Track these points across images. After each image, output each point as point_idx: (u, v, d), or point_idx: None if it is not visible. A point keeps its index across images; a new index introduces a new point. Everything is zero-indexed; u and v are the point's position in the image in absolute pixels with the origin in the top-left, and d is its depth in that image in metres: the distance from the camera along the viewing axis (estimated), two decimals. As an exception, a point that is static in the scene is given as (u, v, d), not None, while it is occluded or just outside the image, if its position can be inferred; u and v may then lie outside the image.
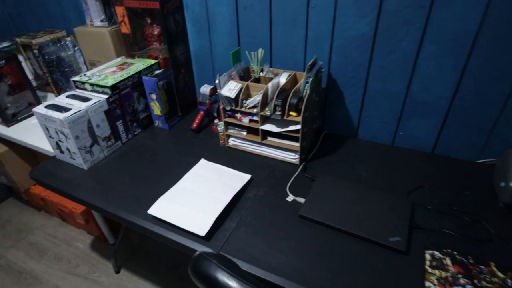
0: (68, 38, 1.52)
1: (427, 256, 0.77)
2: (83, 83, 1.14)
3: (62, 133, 1.03)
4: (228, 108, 1.08)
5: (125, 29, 1.27)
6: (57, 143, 1.10)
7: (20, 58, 1.59)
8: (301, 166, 1.07)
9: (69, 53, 1.48)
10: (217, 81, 1.17)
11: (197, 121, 1.27)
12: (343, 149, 1.15)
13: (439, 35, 0.94)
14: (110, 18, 1.36)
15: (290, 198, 0.95)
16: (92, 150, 1.10)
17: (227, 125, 1.15)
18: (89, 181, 1.05)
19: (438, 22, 0.93)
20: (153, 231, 0.87)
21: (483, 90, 0.97)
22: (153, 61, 1.26)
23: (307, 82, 1.00)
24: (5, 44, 1.52)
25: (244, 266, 0.77)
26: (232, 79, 1.09)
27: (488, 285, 0.71)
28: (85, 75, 1.18)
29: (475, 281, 0.71)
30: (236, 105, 1.07)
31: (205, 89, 1.26)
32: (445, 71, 0.99)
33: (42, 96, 1.63)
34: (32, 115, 1.51)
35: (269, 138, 1.10)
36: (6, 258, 1.59)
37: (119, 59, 1.31)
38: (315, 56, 1.07)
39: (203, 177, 1.01)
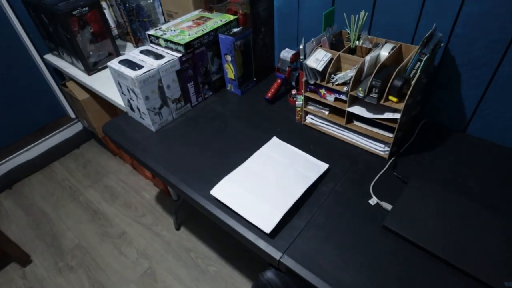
0: (148, -15, 1.44)
1: (558, 316, 0.58)
2: (157, 37, 1.06)
3: (133, 91, 0.99)
4: (312, 81, 0.91)
5: (205, -22, 1.13)
6: (128, 101, 1.07)
7: (104, 5, 1.58)
8: (390, 161, 0.89)
9: (149, 1, 1.41)
10: (301, 47, 1.00)
11: (272, 90, 1.13)
12: (447, 146, 0.93)
13: None
14: (190, -36, 1.22)
15: (374, 201, 0.79)
16: (161, 112, 1.05)
17: (307, 100, 0.99)
18: (156, 145, 1.01)
19: None
20: (213, 214, 0.80)
21: None
22: (231, 17, 1.12)
23: (419, 60, 0.77)
24: (89, -11, 1.51)
25: (309, 277, 0.66)
26: (320, 46, 0.91)
27: None
28: (160, 28, 1.10)
29: None
30: (322, 79, 0.90)
31: (286, 54, 1.10)
32: None
33: (121, 46, 1.63)
34: (110, 64, 1.52)
35: (355, 122, 0.93)
36: (85, 197, 1.74)
37: (196, 12, 1.19)
38: (435, 25, 0.82)
39: (273, 159, 0.90)
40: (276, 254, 0.70)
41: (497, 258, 0.65)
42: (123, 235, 1.53)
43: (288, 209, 0.75)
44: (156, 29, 1.09)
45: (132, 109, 1.08)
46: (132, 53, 1.05)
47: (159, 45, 1.08)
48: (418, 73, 0.77)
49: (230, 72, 1.15)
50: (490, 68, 0.85)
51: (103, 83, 1.41)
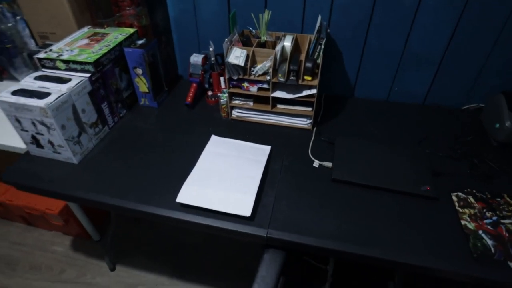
0: (4, 6, 1.21)
1: (454, 198, 0.85)
2: (52, 60, 0.94)
3: (43, 123, 0.85)
4: (235, 77, 0.99)
5: (90, -9, 1.06)
6: (33, 137, 0.91)
7: None
8: (315, 130, 1.06)
9: (9, 24, 1.19)
10: (211, 49, 1.08)
11: (191, 94, 1.15)
12: (346, 109, 1.17)
13: (439, -11, 0.97)
14: (63, -21, 1.11)
15: (316, 163, 0.94)
16: (80, 140, 0.94)
17: (231, 95, 1.06)
18: (86, 176, 0.90)
19: (440, -24, 0.95)
20: (187, 220, 0.80)
21: (473, 41, 1.04)
22: (131, 30, 1.08)
23: (319, 44, 0.96)
24: None
25: (298, 238, 0.75)
26: (234, 45, 1.00)
27: (508, 214, 0.80)
28: (51, 50, 0.97)
29: (498, 212, 0.81)
30: (244, 73, 0.99)
31: (196, 58, 1.14)
32: (441, 24, 1.03)
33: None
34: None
35: (279, 106, 1.06)
36: (-33, 280, 1.35)
37: (85, 29, 1.10)
38: (320, 16, 1.02)
39: (221, 154, 0.94)
40: (262, 232, 0.76)
41: (411, 174, 0.89)
42: (47, 302, 1.27)
43: (257, 191, 0.82)
44: (47, 51, 0.96)
45: (39, 145, 0.93)
46: (25, 81, 0.90)
47: (57, 68, 0.95)
48: (321, 54, 0.95)
49: (142, 85, 1.11)
50: (360, 44, 1.12)
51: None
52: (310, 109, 1.03)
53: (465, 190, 0.87)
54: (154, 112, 1.16)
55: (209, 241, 1.47)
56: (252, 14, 0.99)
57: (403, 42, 1.09)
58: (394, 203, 0.83)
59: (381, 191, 0.86)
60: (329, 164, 0.93)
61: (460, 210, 0.82)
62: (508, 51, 1.03)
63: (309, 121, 1.06)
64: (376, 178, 0.88)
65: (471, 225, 0.78)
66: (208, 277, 1.34)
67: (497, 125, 0.99)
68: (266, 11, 0.97)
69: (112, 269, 1.38)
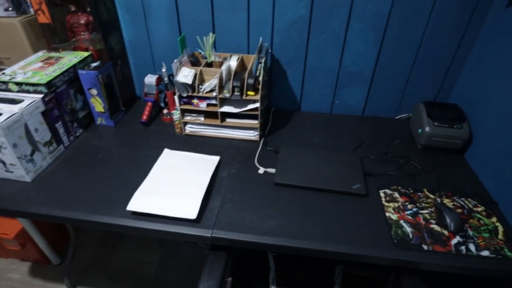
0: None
1: (382, 194, 0.95)
2: (4, 83, 0.98)
3: (-6, 143, 0.88)
4: (184, 94, 1.07)
5: (44, 18, 1.12)
6: (-16, 157, 0.93)
7: None
8: (262, 141, 1.15)
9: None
10: (164, 70, 1.15)
11: (146, 112, 1.22)
12: (292, 122, 1.28)
13: (362, 15, 1.12)
14: (18, 6, 1.17)
15: (261, 170, 1.02)
16: (33, 159, 0.97)
17: (183, 112, 1.14)
18: (39, 192, 0.93)
19: (360, 4, 1.09)
20: (137, 227, 0.84)
21: (396, 59, 1.19)
22: (86, 53, 1.15)
23: (259, 63, 1.06)
24: None
25: (240, 236, 0.82)
26: (183, 65, 1.09)
27: (426, 205, 0.92)
28: (3, 73, 1.01)
29: (417, 204, 0.92)
30: (193, 91, 1.08)
31: (150, 79, 1.22)
32: (368, 46, 1.18)
33: None
34: None
35: (228, 120, 1.15)
36: None
37: (40, 54, 1.15)
38: (261, 38, 1.14)
39: (172, 166, 1.00)
40: (207, 232, 0.82)
41: (345, 176, 0.99)
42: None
43: (203, 196, 0.88)
44: None
45: (-10, 165, 0.95)
46: (-24, 103, 0.94)
47: (9, 90, 0.99)
48: (262, 71, 1.06)
49: (98, 105, 1.17)
50: (301, 63, 1.25)
51: None
52: (256, 121, 1.12)
53: (392, 187, 0.98)
54: (111, 130, 1.20)
55: (168, 258, 1.49)
56: (197, 37, 1.09)
57: (338, 62, 1.22)
58: (328, 201, 0.92)
59: (318, 191, 0.95)
60: (272, 170, 1.01)
61: (386, 204, 0.92)
62: (426, 66, 1.19)
63: (256, 133, 1.15)
64: (313, 180, 0.97)
65: (394, 216, 0.88)
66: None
67: (420, 131, 1.13)
68: (210, 34, 1.08)
69: (72, 291, 1.36)
